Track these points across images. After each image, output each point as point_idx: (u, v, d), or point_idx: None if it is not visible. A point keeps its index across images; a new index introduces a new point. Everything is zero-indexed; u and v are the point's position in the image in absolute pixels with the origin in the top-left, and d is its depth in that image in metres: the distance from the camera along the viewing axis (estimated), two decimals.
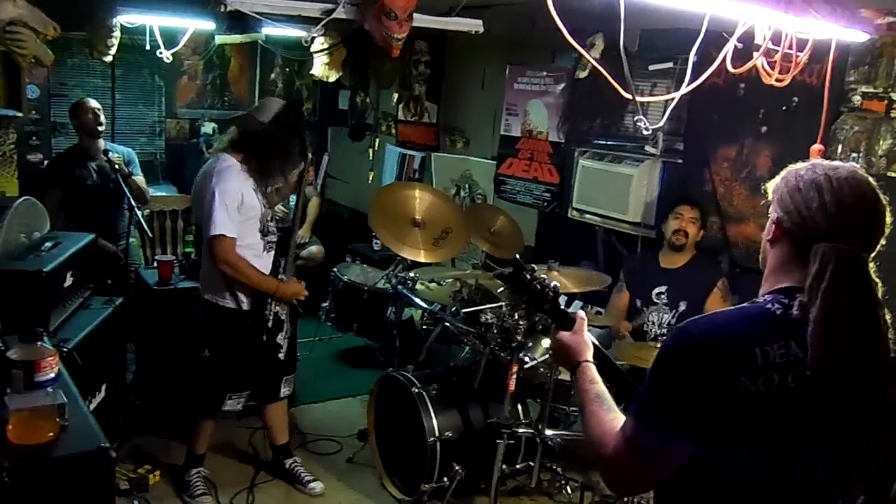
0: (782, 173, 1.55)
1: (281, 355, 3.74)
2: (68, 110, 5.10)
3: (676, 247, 4.03)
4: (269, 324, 3.62)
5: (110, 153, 4.70)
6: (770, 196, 1.56)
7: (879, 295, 1.41)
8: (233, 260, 3.42)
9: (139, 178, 5.04)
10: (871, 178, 1.48)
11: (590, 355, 1.81)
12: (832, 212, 1.42)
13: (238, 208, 3.42)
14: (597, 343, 1.88)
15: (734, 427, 1.39)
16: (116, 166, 4.61)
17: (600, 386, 1.70)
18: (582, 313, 1.90)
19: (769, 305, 1.46)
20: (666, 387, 1.44)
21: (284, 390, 3.91)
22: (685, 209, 4.04)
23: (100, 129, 4.92)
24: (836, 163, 1.50)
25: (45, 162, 5.80)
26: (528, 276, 1.98)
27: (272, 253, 3.66)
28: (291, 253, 3.76)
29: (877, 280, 1.41)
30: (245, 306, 3.56)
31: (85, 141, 4.95)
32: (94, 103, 4.96)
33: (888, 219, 1.46)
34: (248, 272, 3.47)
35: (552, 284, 1.96)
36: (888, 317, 1.41)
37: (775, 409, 1.38)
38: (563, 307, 1.95)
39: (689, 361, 1.40)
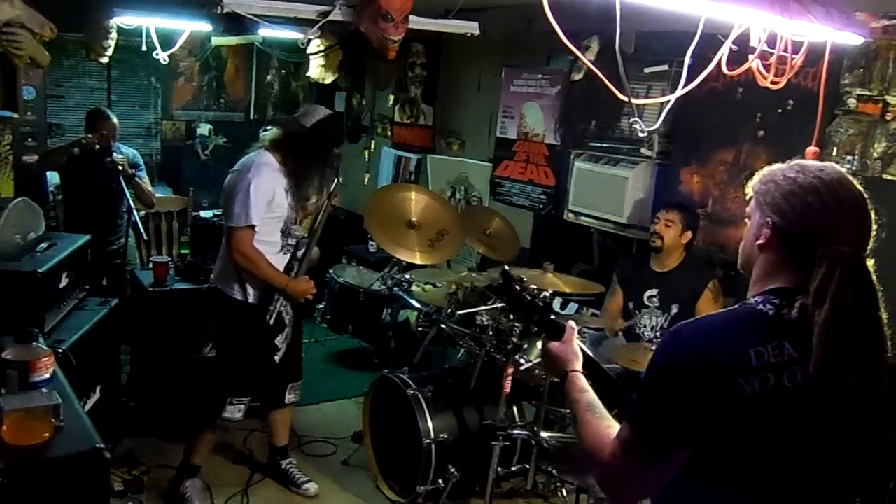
0: (764, 175, 1.55)
1: (276, 358, 3.67)
2: (87, 115, 5.02)
3: (654, 249, 4.05)
4: (271, 321, 3.59)
5: (115, 154, 4.69)
6: (752, 197, 1.56)
7: (879, 296, 1.41)
8: (248, 251, 3.44)
9: (145, 182, 5.04)
10: (854, 178, 1.49)
11: (578, 365, 1.80)
12: (832, 214, 1.43)
13: (268, 204, 3.44)
14: (588, 351, 1.87)
15: (731, 429, 1.39)
16: (120, 167, 4.60)
17: (591, 394, 1.70)
18: (572, 323, 1.90)
19: (761, 307, 1.46)
20: (660, 392, 1.44)
21: (289, 397, 3.89)
22: (662, 212, 4.05)
23: (111, 144, 4.89)
24: (818, 163, 1.50)
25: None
26: (518, 287, 1.97)
27: (288, 255, 3.64)
28: (305, 265, 3.70)
29: (876, 281, 1.42)
30: (252, 299, 3.55)
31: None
32: (115, 120, 4.92)
33: (874, 218, 1.47)
34: (262, 265, 3.48)
35: (542, 295, 1.95)
36: (885, 317, 1.42)
37: (772, 409, 1.38)
38: (553, 317, 1.93)
39: (683, 365, 1.41)
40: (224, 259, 3.57)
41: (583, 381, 1.75)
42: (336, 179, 3.94)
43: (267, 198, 3.43)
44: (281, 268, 3.60)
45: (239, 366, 3.60)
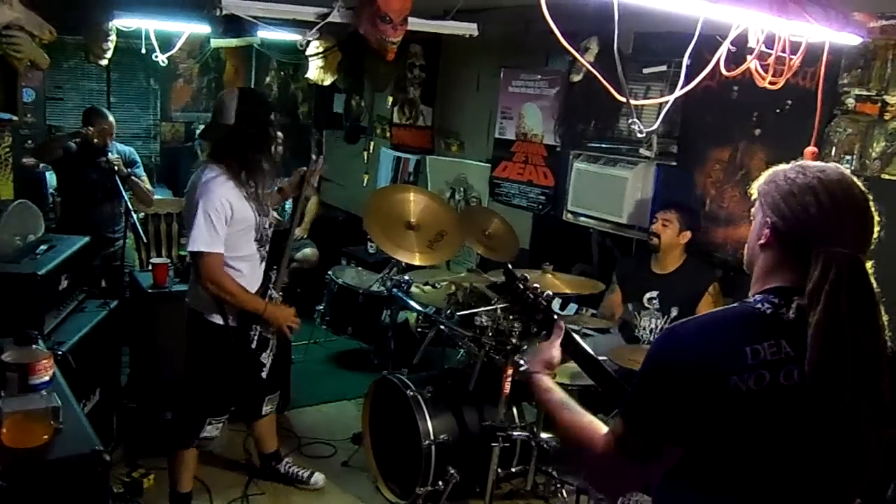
0: (768, 175, 1.56)
1: (263, 374, 3.51)
2: (83, 114, 4.98)
3: (653, 248, 4.06)
4: (253, 344, 3.39)
5: (110, 153, 4.68)
6: (756, 197, 1.57)
7: (877, 297, 1.41)
8: (217, 277, 3.20)
9: (142, 179, 5.02)
10: (856, 179, 1.49)
11: (540, 367, 1.82)
12: (829, 215, 1.43)
13: (227, 221, 3.20)
14: (588, 349, 1.87)
15: (726, 426, 1.39)
16: (115, 167, 4.59)
17: (559, 392, 1.73)
18: (562, 324, 1.90)
19: (758, 305, 1.46)
20: (654, 388, 1.44)
21: (266, 408, 3.80)
22: (660, 212, 4.06)
23: (108, 143, 4.87)
24: (822, 164, 1.51)
25: (41, 165, 5.80)
26: (521, 286, 1.97)
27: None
28: (284, 263, 3.55)
29: (874, 282, 1.42)
30: (232, 322, 3.33)
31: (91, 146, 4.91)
32: (111, 118, 4.90)
33: (876, 218, 1.47)
34: (234, 290, 3.25)
35: (545, 294, 1.95)
36: (885, 318, 1.42)
37: (767, 407, 1.38)
38: (555, 316, 1.93)
39: (678, 362, 1.41)
40: (195, 285, 3.32)
41: (547, 381, 1.78)
42: (312, 158, 3.80)
43: (224, 215, 3.17)
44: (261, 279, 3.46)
45: (219, 387, 3.43)
